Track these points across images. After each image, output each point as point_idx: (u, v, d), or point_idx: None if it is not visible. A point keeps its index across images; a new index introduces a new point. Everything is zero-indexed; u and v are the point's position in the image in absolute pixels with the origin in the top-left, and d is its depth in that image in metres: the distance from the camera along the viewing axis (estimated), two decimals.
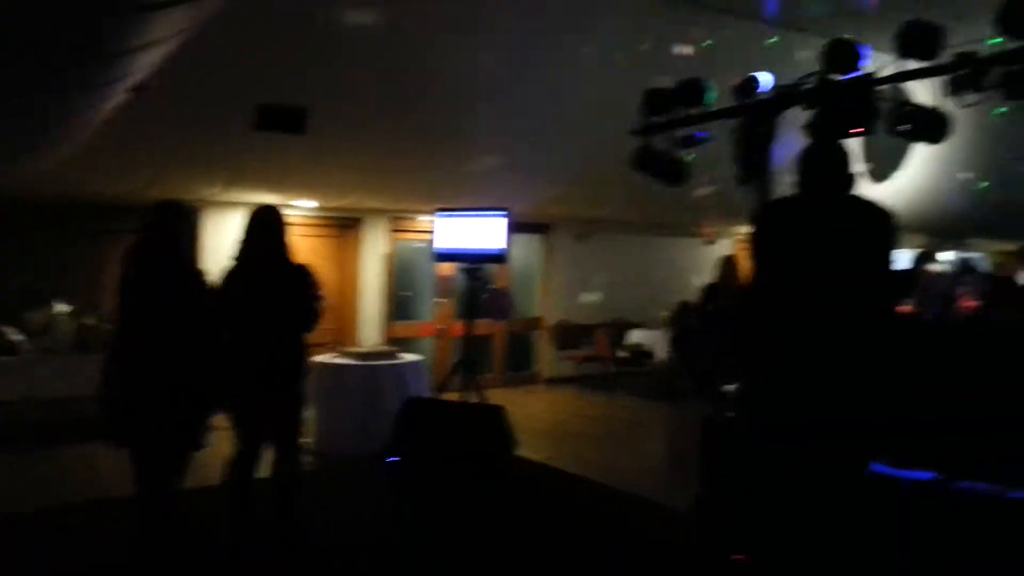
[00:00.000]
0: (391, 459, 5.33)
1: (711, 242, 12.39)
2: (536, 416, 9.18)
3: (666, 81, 5.20)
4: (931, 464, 3.47)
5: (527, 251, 11.40)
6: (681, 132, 5.15)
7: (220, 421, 4.22)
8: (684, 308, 9.99)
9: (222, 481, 4.30)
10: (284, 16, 5.65)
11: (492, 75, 6.98)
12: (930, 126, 4.10)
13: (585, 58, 7.33)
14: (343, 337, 9.36)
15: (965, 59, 3.74)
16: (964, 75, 3.75)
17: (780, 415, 3.07)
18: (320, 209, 9.31)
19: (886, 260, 3.00)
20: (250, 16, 5.33)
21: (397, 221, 10.15)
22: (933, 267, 8.38)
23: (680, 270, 12.03)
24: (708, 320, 8.66)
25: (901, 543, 3.32)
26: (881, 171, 9.88)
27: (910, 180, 10.35)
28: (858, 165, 9.35)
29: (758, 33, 7.53)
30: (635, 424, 8.65)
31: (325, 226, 9.61)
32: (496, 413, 5.35)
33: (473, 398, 6.78)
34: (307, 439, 5.99)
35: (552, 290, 11.47)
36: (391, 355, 7.38)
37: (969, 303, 5.31)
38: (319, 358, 7.00)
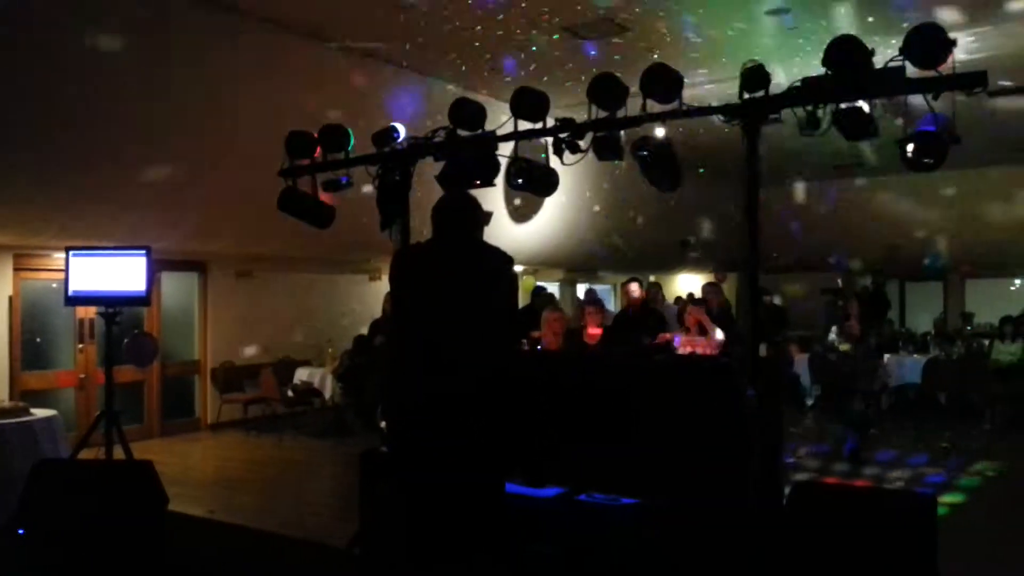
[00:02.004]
0: (20, 531, 4.70)
1: (377, 278, 12.66)
2: (198, 466, 8.68)
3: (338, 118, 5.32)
4: (559, 481, 3.90)
5: (183, 290, 10.76)
6: (324, 176, 5.25)
7: None
8: (359, 343, 10.11)
9: None
10: None
11: (133, 104, 6.63)
12: (541, 180, 4.65)
13: (232, 94, 7.28)
14: None
15: (565, 123, 4.32)
16: (564, 137, 4.33)
17: (420, 447, 3.28)
18: None
19: (505, 300, 3.34)
20: None
21: (25, 259, 9.01)
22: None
23: (347, 306, 12.12)
24: (373, 355, 8.88)
25: (538, 554, 3.69)
26: (523, 212, 10.88)
27: (549, 221, 11.52)
28: (501, 207, 10.32)
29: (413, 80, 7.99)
30: (304, 465, 8.54)
31: None
32: (143, 469, 4.96)
33: (119, 453, 6.22)
34: None
35: (212, 331, 10.92)
36: (19, 412, 6.50)
37: (594, 330, 6.07)
38: None
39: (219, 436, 10.36)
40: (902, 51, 3.44)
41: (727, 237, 12.09)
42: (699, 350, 5.31)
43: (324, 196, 5.34)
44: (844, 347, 7.25)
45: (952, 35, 3.49)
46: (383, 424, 4.90)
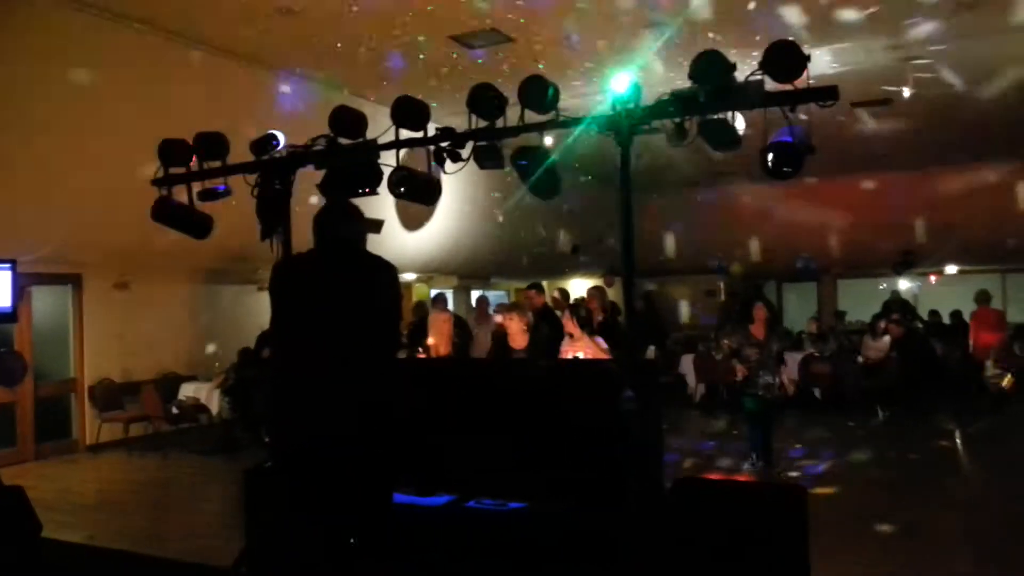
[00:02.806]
0: None
1: (266, 289, 12.36)
2: (77, 490, 8.27)
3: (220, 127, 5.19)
4: (448, 489, 3.93)
5: (56, 304, 10.22)
6: (201, 185, 5.14)
7: None
8: (245, 356, 9.86)
9: None
10: None
11: None
12: (422, 189, 4.69)
13: (106, 97, 7.03)
14: None
15: (445, 133, 4.38)
16: (445, 146, 4.38)
17: (304, 459, 3.25)
18: None
19: (387, 308, 3.35)
20: None
21: None
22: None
23: (235, 318, 11.78)
24: (260, 368, 8.68)
25: (429, 562, 3.71)
26: (414, 221, 10.87)
27: (441, 228, 11.56)
28: (393, 215, 10.28)
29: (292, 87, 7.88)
30: (190, 484, 8.26)
31: None
32: (13, 495, 4.73)
33: None
34: None
35: (89, 347, 10.40)
36: None
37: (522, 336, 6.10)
38: None
39: (99, 458, 9.88)
40: (761, 65, 3.65)
41: (616, 242, 12.41)
42: (582, 354, 5.43)
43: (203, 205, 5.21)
44: (749, 351, 7.35)
45: (808, 51, 3.73)
46: (268, 439, 4.81)
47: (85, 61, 7.02)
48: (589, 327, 6.06)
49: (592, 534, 3.70)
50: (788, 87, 3.65)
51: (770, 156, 3.79)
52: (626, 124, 3.73)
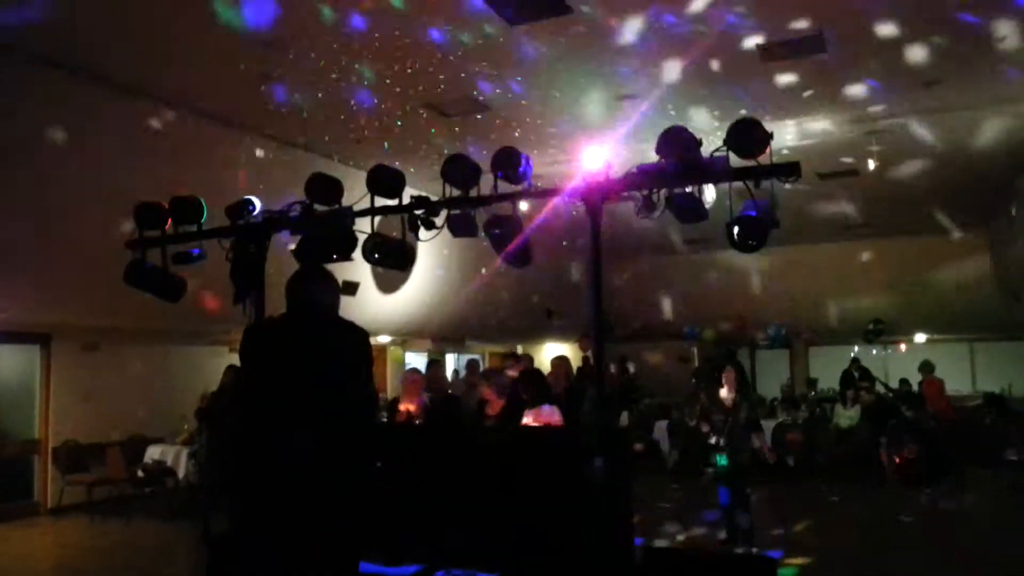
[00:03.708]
0: None
1: (235, 351, 12.26)
2: (35, 555, 8.06)
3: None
4: (416, 558, 3.88)
5: (22, 363, 10.07)
6: (174, 248, 5.17)
7: None
8: (202, 416, 9.69)
9: None
10: None
11: None
12: (396, 256, 4.74)
13: (79, 159, 7.08)
14: None
15: (420, 201, 4.46)
16: (420, 215, 4.46)
17: (270, 527, 3.21)
18: None
19: (359, 375, 3.35)
20: None
21: None
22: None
23: (205, 379, 11.64)
24: (213, 428, 8.55)
25: None
26: (389, 284, 10.91)
27: (416, 291, 11.59)
28: (368, 278, 10.32)
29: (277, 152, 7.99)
30: (153, 550, 8.04)
31: None
32: None
33: None
34: None
35: (55, 407, 10.21)
36: None
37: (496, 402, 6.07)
38: None
39: (60, 521, 9.62)
40: (726, 142, 3.78)
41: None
42: (543, 421, 5.44)
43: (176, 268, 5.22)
44: (717, 416, 7.26)
45: (770, 126, 3.87)
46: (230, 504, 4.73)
47: (58, 120, 7.09)
48: (546, 395, 6.06)
49: None
50: (752, 163, 3.78)
51: (736, 229, 3.90)
52: (596, 196, 3.82)
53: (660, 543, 7.21)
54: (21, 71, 6.80)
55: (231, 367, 7.44)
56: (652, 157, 3.98)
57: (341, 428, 3.25)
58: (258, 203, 4.79)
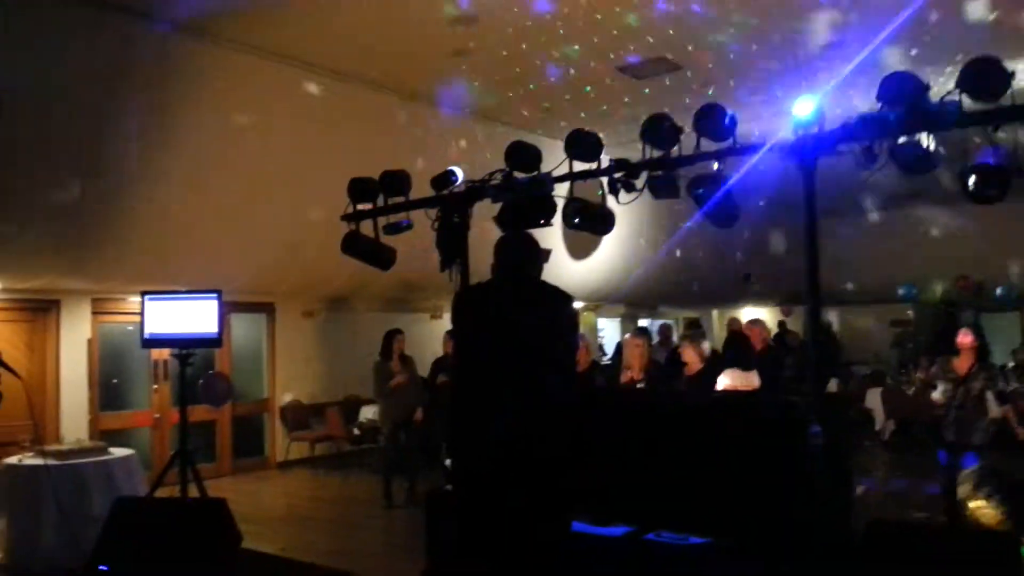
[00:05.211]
0: (102, 568, 4.87)
1: (438, 317, 12.81)
2: (269, 504, 8.86)
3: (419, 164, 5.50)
4: (625, 519, 3.88)
5: (252, 331, 11.08)
6: (385, 219, 5.41)
7: None
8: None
9: None
10: None
11: (198, 153, 6.97)
12: (597, 220, 4.71)
13: (298, 141, 7.56)
14: (40, 433, 8.42)
15: (619, 164, 4.38)
16: (619, 177, 4.39)
17: (484, 485, 3.32)
18: (6, 291, 8.42)
19: (566, 337, 3.39)
20: None
21: (102, 303, 9.42)
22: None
23: (411, 345, 12.26)
24: (435, 393, 8.98)
25: None
26: (581, 250, 10.93)
27: (608, 257, 11.54)
28: (560, 244, 10.39)
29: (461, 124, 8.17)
30: (371, 503, 8.62)
31: (13, 309, 8.67)
32: (217, 507, 5.11)
33: (193, 492, 6.41)
34: None
35: (280, 370, 11.19)
36: (98, 451, 6.77)
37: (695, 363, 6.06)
38: (10, 460, 6.26)
39: (287, 474, 10.55)
40: (958, 84, 3.43)
41: (791, 270, 11.93)
42: (740, 385, 5.26)
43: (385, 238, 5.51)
44: (941, 390, 6.61)
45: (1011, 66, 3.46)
46: (447, 462, 4.96)
47: (278, 109, 7.61)
48: (745, 359, 5.91)
49: None
50: (989, 106, 3.41)
51: (972, 178, 3.54)
52: (810, 150, 3.60)
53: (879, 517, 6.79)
54: (247, 64, 7.31)
55: (449, 332, 7.81)
56: (863, 109, 3.69)
57: (550, 390, 3.30)
58: (460, 173, 4.94)
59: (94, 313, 9.35)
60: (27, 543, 6.15)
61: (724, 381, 5.47)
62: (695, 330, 9.35)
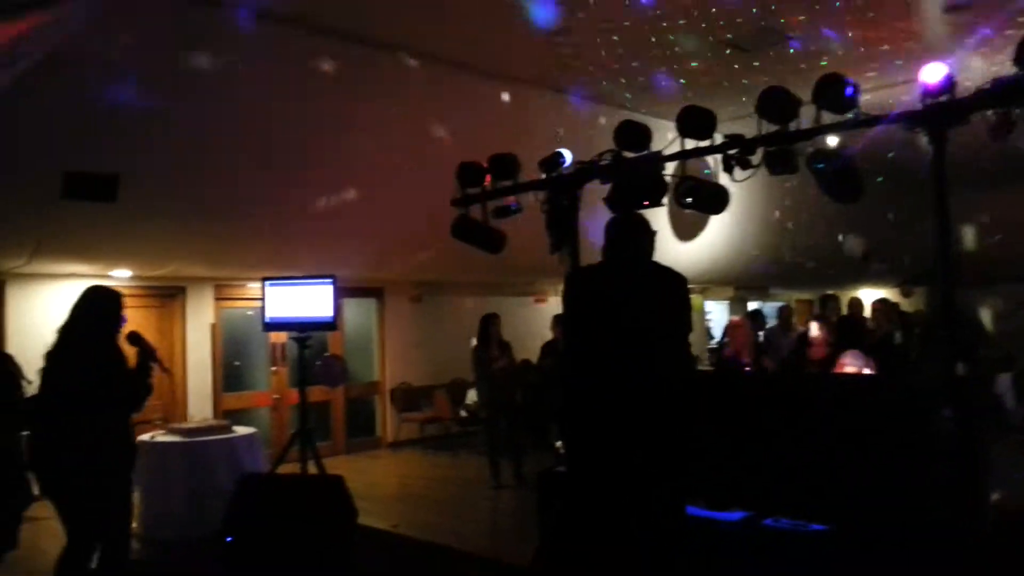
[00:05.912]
0: (228, 539, 5.13)
1: (543, 301, 12.83)
2: (381, 482, 9.11)
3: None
4: (742, 504, 3.80)
5: (362, 315, 11.40)
6: (494, 203, 5.42)
7: (41, 511, 3.96)
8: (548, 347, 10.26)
9: None
10: (91, 81, 5.54)
11: (312, 143, 7.15)
12: (711, 199, 4.58)
13: (405, 128, 7.67)
14: (170, 412, 8.93)
15: (734, 140, 4.24)
16: (734, 154, 4.25)
17: (598, 468, 3.31)
18: (138, 278, 8.93)
19: (680, 319, 3.33)
20: (57, 80, 5.21)
21: (223, 289, 9.88)
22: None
23: (515, 329, 12.33)
24: (545, 376, 9.02)
25: None
26: (688, 231, 10.69)
27: (716, 238, 11.26)
28: (666, 225, 10.19)
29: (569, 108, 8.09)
30: (479, 483, 8.75)
31: (145, 296, 9.19)
32: (335, 483, 5.29)
33: (312, 469, 6.66)
34: (133, 524, 5.67)
35: (389, 353, 11.48)
36: (223, 429, 7.13)
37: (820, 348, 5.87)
38: (143, 437, 6.67)
39: (398, 454, 10.83)
40: None
41: (913, 249, 11.34)
42: (859, 368, 5.04)
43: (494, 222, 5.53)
44: None
45: None
46: (559, 444, 4.97)
47: (390, 99, 7.72)
48: (862, 341, 5.66)
49: (902, 566, 3.39)
50: None
51: None
52: (940, 118, 3.40)
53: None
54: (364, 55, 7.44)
55: (557, 316, 7.82)
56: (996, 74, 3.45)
57: (666, 370, 3.25)
58: (568, 155, 4.90)
59: (216, 299, 9.83)
60: (159, 514, 6.56)
61: (845, 363, 5.26)
62: (829, 305, 9.04)
